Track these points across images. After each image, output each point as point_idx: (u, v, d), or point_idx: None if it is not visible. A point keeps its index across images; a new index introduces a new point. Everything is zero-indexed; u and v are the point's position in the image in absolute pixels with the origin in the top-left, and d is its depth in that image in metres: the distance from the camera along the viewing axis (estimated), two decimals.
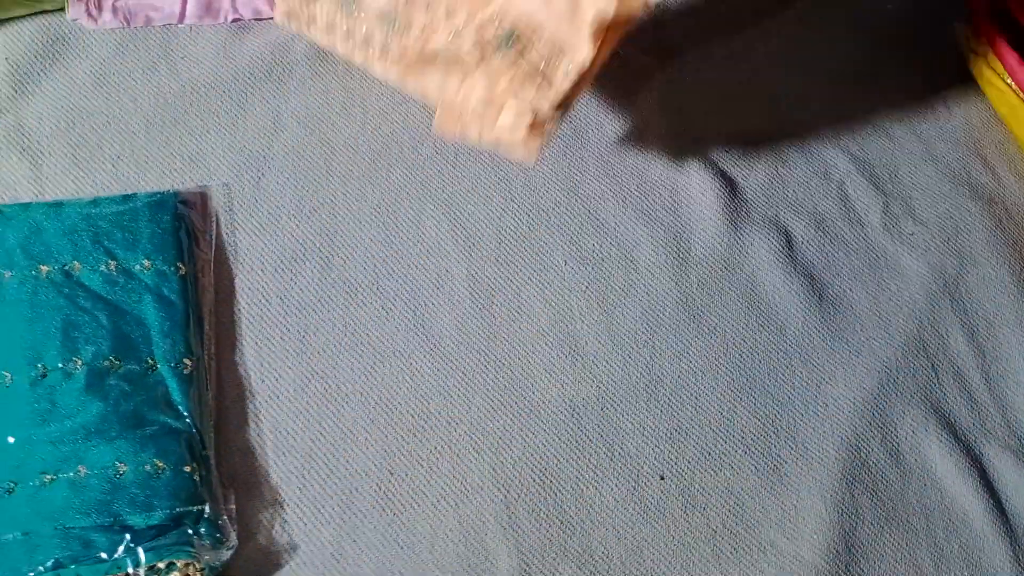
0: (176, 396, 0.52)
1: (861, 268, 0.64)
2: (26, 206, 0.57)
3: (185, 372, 0.52)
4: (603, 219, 0.62)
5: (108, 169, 0.61)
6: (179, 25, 0.65)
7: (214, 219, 0.60)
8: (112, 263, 0.55)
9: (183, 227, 0.58)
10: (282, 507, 0.51)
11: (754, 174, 0.66)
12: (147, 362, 0.52)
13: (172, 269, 0.55)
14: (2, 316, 0.53)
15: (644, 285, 0.61)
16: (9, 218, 0.56)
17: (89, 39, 0.63)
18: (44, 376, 0.50)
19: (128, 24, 0.65)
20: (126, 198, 0.59)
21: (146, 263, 0.55)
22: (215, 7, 0.66)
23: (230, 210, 0.60)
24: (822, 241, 0.64)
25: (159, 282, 0.55)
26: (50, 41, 0.64)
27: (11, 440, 0.49)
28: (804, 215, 0.65)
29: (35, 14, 0.65)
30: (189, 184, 0.60)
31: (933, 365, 0.61)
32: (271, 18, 0.65)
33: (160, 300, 0.54)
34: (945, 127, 0.70)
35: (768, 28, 0.73)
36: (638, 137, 0.66)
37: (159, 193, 0.59)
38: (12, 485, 0.47)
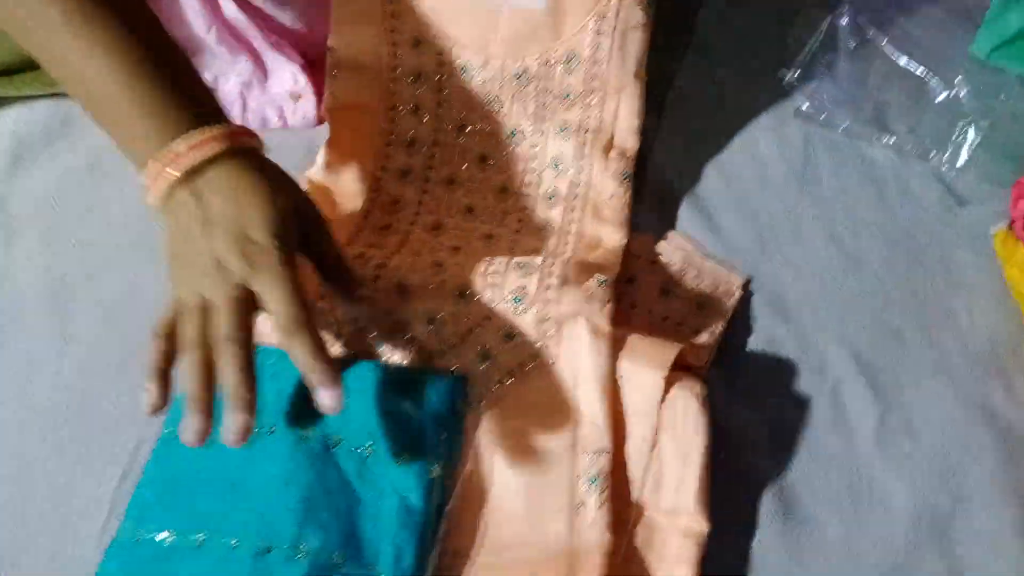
0: None
1: (839, 487, 0.56)
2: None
3: None
4: None
5: (76, 256, 0.62)
6: None
7: None
8: (370, 447, 0.50)
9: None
10: None
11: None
12: (370, 569, 0.47)
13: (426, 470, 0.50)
14: (249, 474, 0.48)
15: None
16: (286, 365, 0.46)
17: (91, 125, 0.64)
18: (268, 552, 0.46)
19: None
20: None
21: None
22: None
23: None
24: (801, 447, 0.58)
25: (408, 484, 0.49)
26: (58, 123, 0.66)
27: None
28: (787, 413, 0.59)
29: (50, 95, 0.67)
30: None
31: None
32: (276, 127, 0.68)
33: (402, 504, 0.48)
34: (967, 340, 0.61)
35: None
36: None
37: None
38: None
